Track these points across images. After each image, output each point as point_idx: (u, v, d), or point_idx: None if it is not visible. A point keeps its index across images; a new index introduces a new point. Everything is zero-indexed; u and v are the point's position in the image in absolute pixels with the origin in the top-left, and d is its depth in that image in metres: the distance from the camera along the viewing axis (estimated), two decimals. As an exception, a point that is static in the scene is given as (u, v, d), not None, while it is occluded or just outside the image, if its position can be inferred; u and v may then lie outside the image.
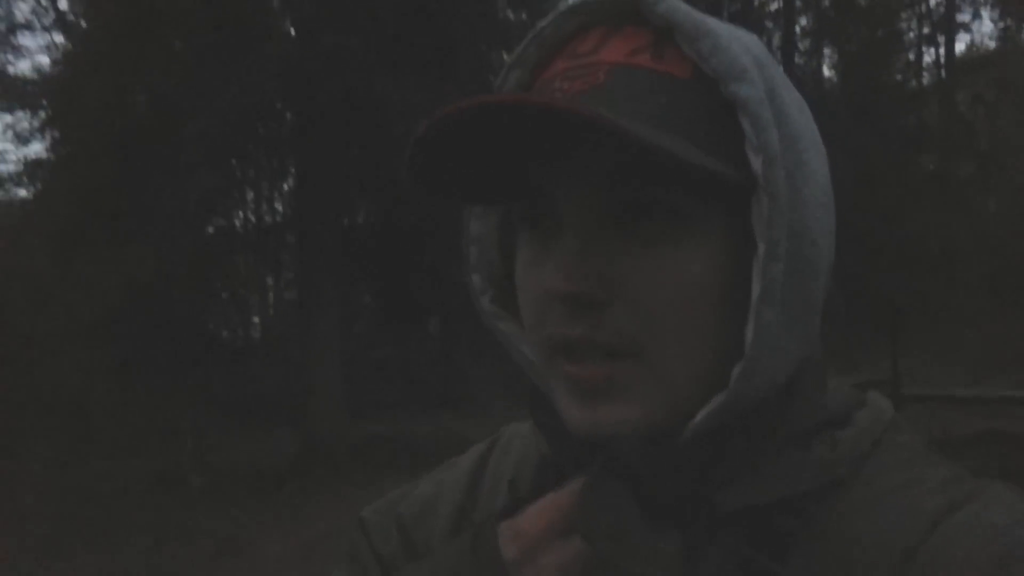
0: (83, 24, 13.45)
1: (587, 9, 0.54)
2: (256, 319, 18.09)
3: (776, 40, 18.38)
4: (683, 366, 0.51)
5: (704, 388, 0.51)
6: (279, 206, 15.54)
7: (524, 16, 12.73)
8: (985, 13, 19.59)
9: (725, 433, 0.52)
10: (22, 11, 16.35)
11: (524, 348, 0.60)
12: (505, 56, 11.91)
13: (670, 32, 0.51)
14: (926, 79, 19.33)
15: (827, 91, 18.51)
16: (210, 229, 12.58)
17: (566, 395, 0.53)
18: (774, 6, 17.95)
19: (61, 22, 14.95)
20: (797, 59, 18.30)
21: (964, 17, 19.23)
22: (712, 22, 0.51)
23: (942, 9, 18.62)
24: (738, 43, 0.51)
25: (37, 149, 15.79)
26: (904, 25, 18.36)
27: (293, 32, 11.98)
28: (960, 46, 21.81)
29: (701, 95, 0.50)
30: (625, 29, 0.52)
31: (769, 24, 18.50)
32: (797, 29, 18.22)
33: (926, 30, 18.81)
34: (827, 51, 18.87)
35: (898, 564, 0.49)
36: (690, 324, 0.51)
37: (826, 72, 19.35)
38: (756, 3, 17.68)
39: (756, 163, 0.48)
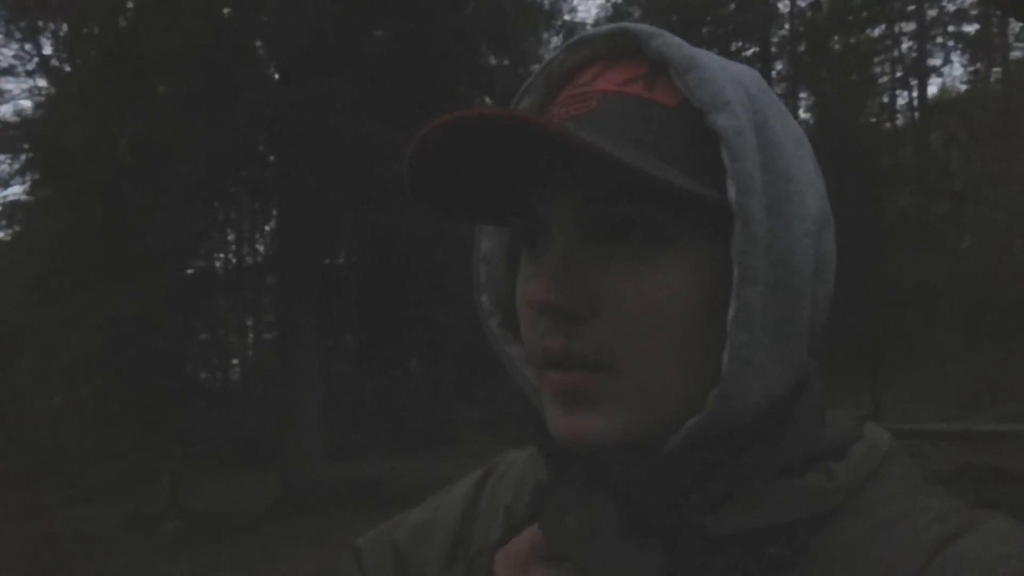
0: (67, 68, 13.53)
1: (590, 44, 0.57)
2: (235, 361, 17.97)
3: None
4: (660, 382, 0.52)
5: (683, 405, 0.52)
6: (260, 247, 15.53)
7: (506, 61, 12.94)
8: (955, 57, 20.06)
9: (713, 454, 0.52)
10: (5, 56, 16.37)
11: (527, 372, 0.61)
12: (488, 100, 12.08)
13: (664, 66, 0.54)
14: (900, 121, 19.72)
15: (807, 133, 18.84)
16: (190, 271, 12.53)
17: (550, 404, 0.54)
18: (750, 51, 18.30)
19: (44, 67, 15.03)
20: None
21: (936, 61, 19.69)
22: (705, 57, 0.54)
23: (914, 54, 19.08)
24: (727, 77, 0.53)
25: (16, 191, 15.73)
26: (878, 69, 18.76)
27: (277, 77, 12.11)
28: (932, 89, 22.28)
29: (687, 124, 0.52)
30: (623, 62, 0.55)
31: (746, 68, 18.91)
32: (773, 74, 18.59)
33: (899, 74, 19.23)
34: (803, 95, 19.22)
35: None
36: (668, 341, 0.52)
37: (802, 115, 19.71)
38: (733, 48, 18.03)
39: (731, 191, 0.50)
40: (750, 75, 0.56)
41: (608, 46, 0.57)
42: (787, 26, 18.29)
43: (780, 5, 18.23)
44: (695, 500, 0.52)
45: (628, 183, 0.49)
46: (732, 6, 17.24)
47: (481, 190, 0.57)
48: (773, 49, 18.35)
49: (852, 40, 17.66)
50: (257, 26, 11.53)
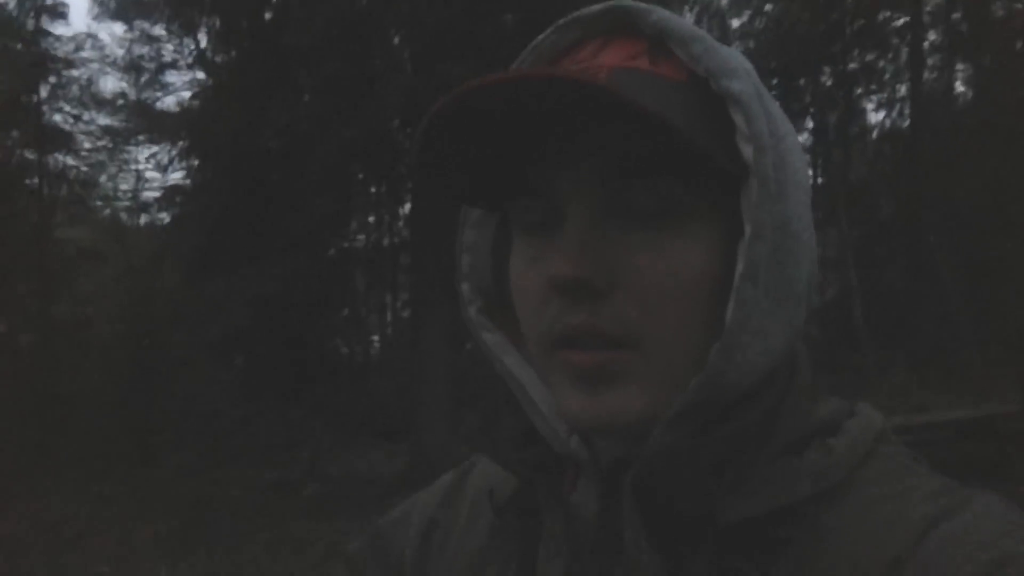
0: (219, 61, 14.43)
1: (583, 22, 0.57)
2: (375, 337, 18.66)
3: (903, 56, 17.65)
4: (682, 355, 0.53)
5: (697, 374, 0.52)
6: (397, 228, 16.07)
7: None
8: None
9: (713, 431, 0.52)
10: (168, 51, 17.63)
11: (506, 359, 0.61)
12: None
13: (663, 41, 0.54)
14: (1072, 93, 18.05)
15: (960, 108, 17.60)
16: (331, 251, 13.14)
17: (568, 385, 0.54)
18: (900, 21, 17.20)
19: (201, 59, 16.07)
20: (926, 75, 17.51)
21: (1115, 26, 17.86)
22: (703, 31, 0.55)
23: (1090, 18, 17.39)
24: (727, 48, 0.54)
25: (176, 177, 16.94)
26: (1047, 36, 17.21)
27: (410, 66, 12.45)
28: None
29: (696, 96, 0.52)
30: (621, 39, 0.55)
31: (895, 40, 17.79)
32: (926, 44, 17.43)
33: (1072, 41, 17.59)
34: (959, 67, 17.93)
35: (886, 573, 0.48)
36: (689, 314, 0.52)
37: (960, 87, 18.41)
38: (880, 19, 17.02)
39: (747, 151, 0.51)
40: (739, 53, 0.57)
41: (602, 24, 0.56)
42: (942, -7, 17.04)
43: (934, -29, 16.98)
44: (710, 490, 0.52)
45: (649, 153, 0.50)
46: (880, -26, 16.24)
47: (483, 171, 0.57)
48: (926, 18, 17.16)
49: (1019, 4, 16.32)
50: (393, 15, 11.88)
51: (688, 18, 18.71)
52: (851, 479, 0.53)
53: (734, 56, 0.54)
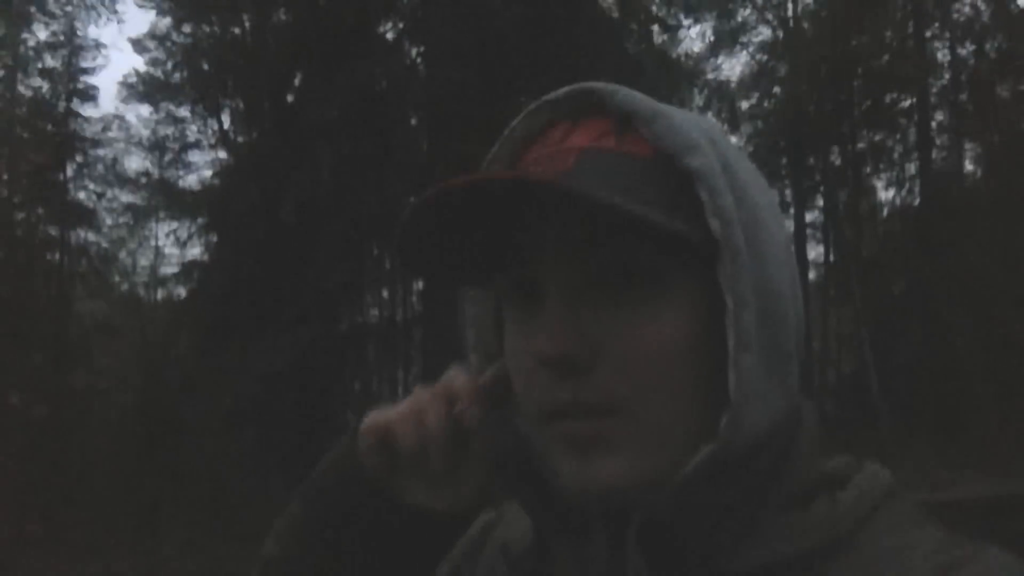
0: (240, 140, 14.84)
1: (553, 106, 0.59)
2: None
3: (911, 136, 17.91)
4: (669, 420, 0.53)
5: (692, 440, 0.53)
6: (410, 303, 16.18)
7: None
8: None
9: (724, 483, 0.52)
10: (192, 132, 18.13)
11: (516, 422, 0.62)
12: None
13: (629, 119, 0.55)
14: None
15: (969, 186, 17.76)
16: (344, 325, 13.22)
17: (561, 454, 0.55)
18: (907, 102, 17.52)
19: (224, 139, 16.51)
20: (935, 154, 17.73)
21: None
22: (666, 107, 0.56)
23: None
24: (690, 123, 0.55)
25: (194, 252, 17.20)
26: (1052, 117, 17.47)
27: (426, 145, 12.77)
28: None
29: (661, 171, 0.53)
30: (588, 120, 0.57)
31: (903, 120, 18.08)
32: (933, 124, 17.70)
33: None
34: (967, 145, 18.15)
35: None
36: (672, 380, 0.53)
37: (968, 166, 18.60)
38: (887, 100, 17.35)
39: (715, 225, 0.52)
40: (707, 122, 0.59)
41: (569, 106, 0.58)
42: (947, 75, 17.38)
43: (938, 54, 17.36)
44: (716, 538, 0.53)
45: (617, 229, 0.51)
46: (886, 57, 16.61)
47: (468, 254, 0.59)
48: (933, 99, 17.48)
49: (1022, 87, 16.63)
50: (410, 97, 12.23)
51: (697, 99, 19.11)
52: (858, 532, 0.53)
53: (699, 129, 0.55)
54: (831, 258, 19.28)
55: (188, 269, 15.90)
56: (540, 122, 0.60)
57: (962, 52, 17.16)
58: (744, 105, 19.75)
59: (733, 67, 33.38)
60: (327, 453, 0.64)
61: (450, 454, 0.58)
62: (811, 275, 19.45)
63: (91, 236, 17.30)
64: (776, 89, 18.90)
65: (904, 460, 10.38)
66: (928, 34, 17.05)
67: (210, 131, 17.42)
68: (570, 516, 0.59)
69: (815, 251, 20.37)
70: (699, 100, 18.89)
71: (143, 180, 19.09)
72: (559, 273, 0.54)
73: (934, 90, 17.48)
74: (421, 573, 0.62)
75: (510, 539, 0.67)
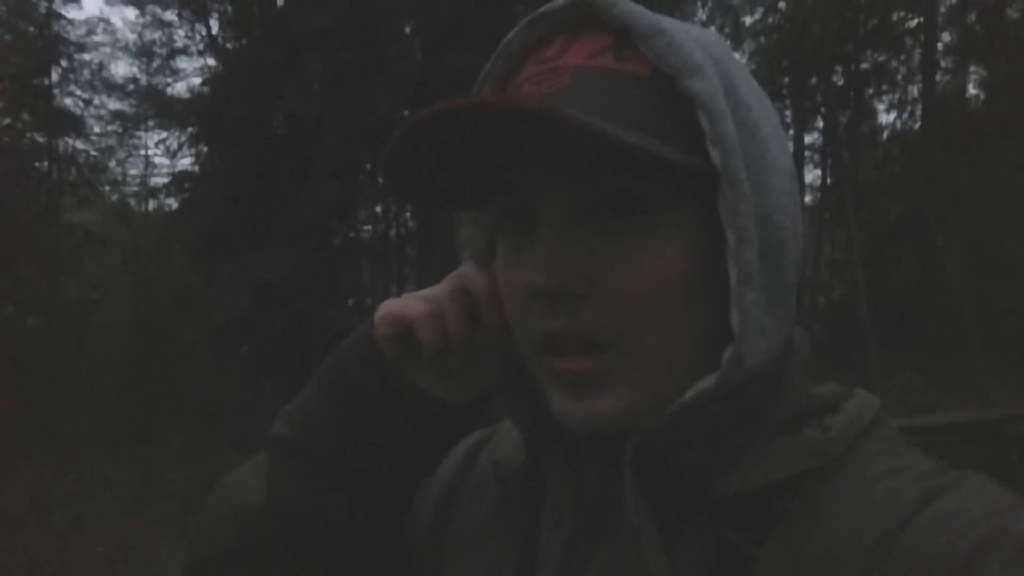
0: (230, 47, 14.46)
1: (549, 18, 0.56)
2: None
3: (916, 57, 17.59)
4: (665, 354, 0.53)
5: (690, 374, 0.52)
6: (404, 219, 16.10)
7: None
8: None
9: (721, 413, 0.52)
10: (179, 37, 17.65)
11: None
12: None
13: (628, 34, 0.53)
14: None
15: (972, 111, 17.53)
16: (338, 240, 13.17)
17: (556, 391, 0.55)
18: (913, 22, 17.12)
19: (212, 46, 16.09)
20: (939, 77, 17.44)
21: None
22: (668, 22, 0.53)
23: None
24: (693, 41, 0.53)
25: (185, 163, 16.99)
26: (1062, 40, 17.13)
27: (420, 54, 12.47)
28: None
29: (661, 92, 0.51)
30: (586, 34, 0.54)
31: (908, 41, 17.72)
32: (940, 46, 17.35)
33: (1087, 45, 17.50)
34: (972, 69, 17.84)
35: (877, 548, 0.49)
36: (668, 313, 0.52)
37: (972, 90, 18.33)
38: (894, 19, 16.94)
39: (715, 155, 0.50)
40: (712, 37, 0.56)
41: (567, 18, 0.56)
42: (956, -6, 16.95)
43: (949, -27, 16.89)
44: (708, 462, 0.53)
45: (613, 157, 0.50)
46: (894, -26, 16.16)
47: (455, 176, 0.58)
48: (940, 19, 17.08)
49: (1034, 9, 16.25)
50: (404, 4, 11.89)
51: (700, 15, 18.66)
52: (847, 456, 0.54)
53: (701, 47, 0.53)
54: (828, 181, 19.18)
55: (179, 179, 15.70)
56: (537, 35, 0.57)
57: (974, -30, 16.68)
58: (747, 21, 19.31)
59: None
60: (341, 341, 0.63)
61: (468, 353, 0.59)
62: (807, 199, 19.39)
63: (79, 144, 17.01)
64: (781, 5, 18.43)
65: (889, 386, 10.56)
66: (939, -49, 16.57)
67: (198, 37, 16.98)
68: (562, 438, 0.59)
69: (812, 174, 20.27)
70: (702, 14, 18.46)
71: (131, 87, 18.69)
72: (551, 202, 0.53)
73: (942, 10, 17.06)
74: (431, 458, 0.64)
75: (501, 456, 0.68)
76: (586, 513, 0.58)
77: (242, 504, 0.64)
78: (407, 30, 12.93)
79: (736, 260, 0.50)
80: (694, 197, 0.52)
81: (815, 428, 0.55)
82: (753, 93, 0.55)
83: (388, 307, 0.60)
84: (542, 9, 0.57)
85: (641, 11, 0.53)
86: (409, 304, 0.60)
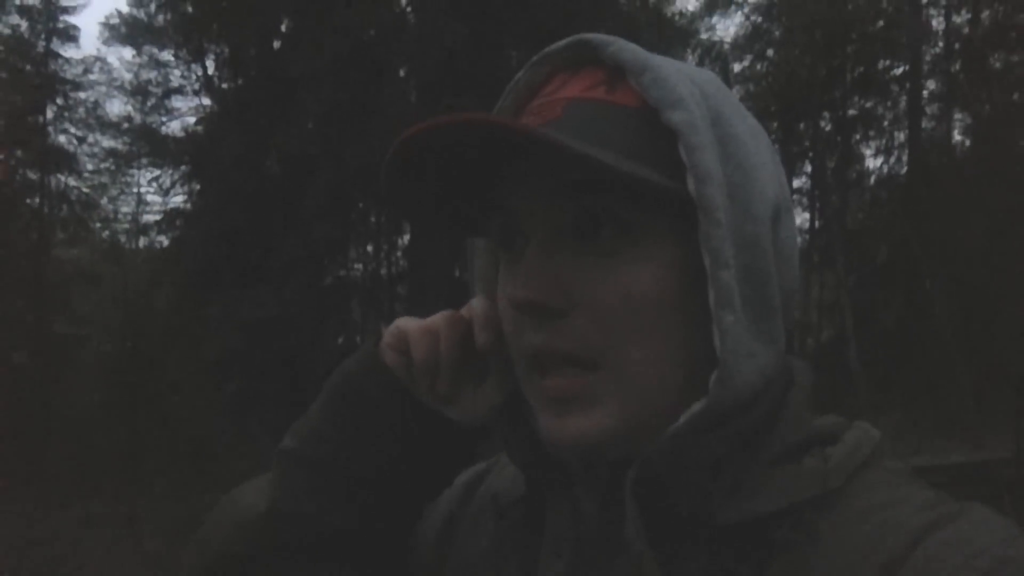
0: (224, 87, 14.58)
1: (552, 58, 0.60)
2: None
3: (902, 104, 17.86)
4: (648, 373, 0.54)
5: (679, 396, 0.53)
6: (395, 258, 16.13)
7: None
8: None
9: (715, 439, 0.53)
10: (175, 76, 17.80)
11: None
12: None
13: (620, 70, 0.56)
14: (1068, 145, 18.23)
15: (958, 156, 17.76)
16: (328, 279, 13.17)
17: (542, 409, 0.56)
18: (899, 70, 17.43)
19: (208, 86, 16.22)
20: (925, 123, 17.70)
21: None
22: (658, 59, 0.56)
23: (1087, 72, 17.64)
24: (680, 76, 0.55)
25: (177, 200, 17.02)
26: (1043, 89, 17.43)
27: (415, 97, 12.60)
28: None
29: (648, 122, 0.54)
30: (584, 71, 0.58)
31: (894, 88, 18.01)
32: (925, 93, 17.64)
33: (1068, 93, 17.81)
34: (957, 116, 18.12)
35: None
36: (648, 332, 0.53)
37: (957, 136, 18.60)
38: (880, 67, 17.24)
39: (690, 182, 0.52)
40: (704, 75, 0.59)
41: (568, 58, 0.60)
42: (940, 44, 17.28)
43: (933, 22, 17.23)
44: (708, 490, 0.53)
45: (594, 177, 0.52)
46: (880, 23, 16.47)
47: (455, 200, 0.60)
48: (925, 67, 17.40)
49: (1015, 58, 16.56)
50: (398, 49, 12.04)
51: (691, 60, 18.94)
52: (848, 487, 0.54)
53: (689, 82, 0.55)
54: (816, 224, 19.33)
55: (171, 217, 15.72)
56: (542, 73, 0.61)
57: (957, 20, 17.03)
58: (737, 67, 19.61)
59: (727, 28, 33.14)
60: (350, 355, 0.65)
61: (457, 374, 0.60)
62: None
63: (72, 181, 17.05)
64: (770, 52, 18.74)
65: (878, 427, 10.51)
66: (924, 0, 16.91)
67: (194, 76, 17.13)
68: (559, 468, 0.60)
69: (801, 217, 20.42)
70: (692, 60, 18.73)
71: (125, 125, 18.78)
72: (537, 220, 0.55)
73: (927, 58, 17.39)
74: (435, 475, 0.64)
75: (500, 488, 0.68)
76: (584, 543, 0.59)
77: (246, 512, 0.64)
78: (401, 73, 13.08)
79: (713, 283, 0.52)
80: (679, 221, 0.54)
81: (816, 458, 0.55)
82: (744, 125, 0.57)
83: (397, 322, 0.63)
84: (546, 50, 0.61)
85: (634, 49, 0.56)
86: (412, 322, 0.62)
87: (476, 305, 0.61)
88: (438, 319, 0.62)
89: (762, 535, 0.53)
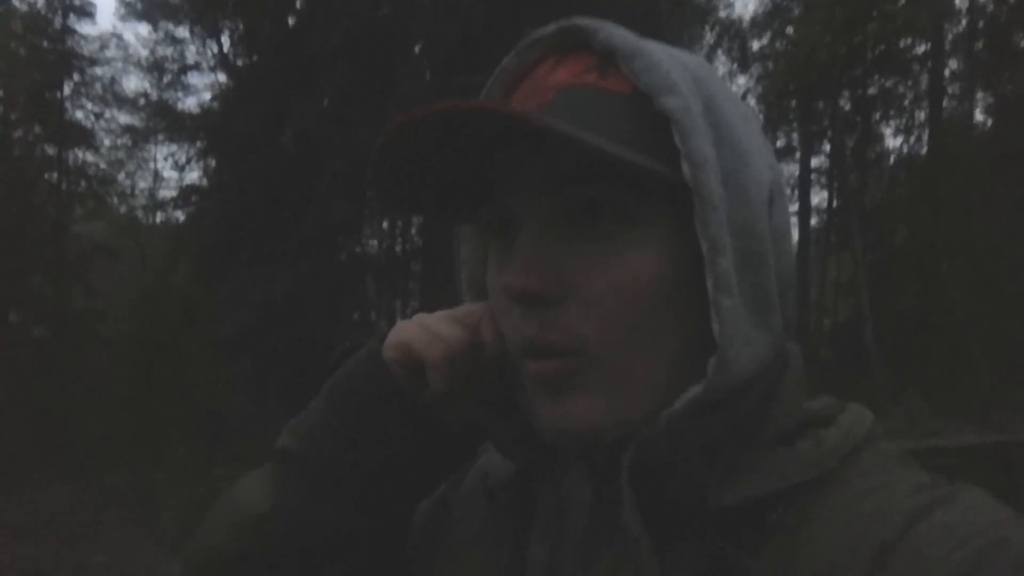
0: (240, 63, 14.58)
1: (541, 43, 0.59)
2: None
3: (923, 83, 17.64)
4: (643, 361, 0.54)
5: (673, 382, 0.53)
6: (410, 235, 16.15)
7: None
8: None
9: (711, 423, 0.53)
10: (191, 53, 17.83)
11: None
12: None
13: (612, 55, 0.55)
14: (1093, 125, 17.96)
15: (979, 137, 17.55)
16: (344, 256, 13.21)
17: (534, 394, 0.56)
18: (921, 49, 17.18)
19: (223, 62, 16.22)
20: (946, 103, 17.48)
21: None
22: (650, 45, 0.55)
23: (1113, 51, 17.33)
24: (673, 62, 0.55)
25: (193, 177, 17.12)
26: (1069, 68, 17.15)
27: (429, 74, 12.56)
28: None
29: (640, 108, 0.53)
30: (573, 55, 0.57)
31: (916, 67, 17.78)
32: (946, 72, 17.40)
33: (1093, 73, 17.52)
34: (979, 95, 17.88)
35: (873, 560, 0.49)
36: (645, 320, 0.53)
37: (979, 116, 18.36)
38: (901, 45, 17.01)
39: (685, 168, 0.52)
40: (695, 60, 0.58)
41: (558, 42, 0.58)
42: (964, 22, 17.02)
43: (956, 0, 16.96)
44: (703, 474, 0.53)
45: (588, 164, 0.51)
46: (901, 1, 16.23)
47: (446, 186, 0.59)
48: (947, 46, 17.15)
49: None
50: (414, 25, 11.99)
51: (708, 38, 18.76)
52: (841, 469, 0.54)
53: (681, 67, 0.55)
54: (834, 204, 19.19)
55: (187, 193, 15.81)
56: (532, 58, 0.59)
57: (980, -2, 16.75)
58: (755, 45, 19.42)
59: (746, 5, 32.78)
60: (351, 356, 0.64)
61: (456, 379, 0.59)
62: (813, 221, 19.38)
63: (89, 157, 17.15)
64: (789, 30, 18.53)
65: (895, 409, 10.51)
66: (947, -23, 16.65)
67: (210, 53, 17.14)
68: (550, 453, 0.59)
69: (819, 197, 20.26)
70: (710, 38, 18.56)
71: (142, 101, 18.86)
72: (530, 208, 0.54)
73: (950, 37, 17.13)
74: (434, 476, 0.64)
75: (491, 469, 0.67)
76: (576, 525, 0.58)
77: (244, 512, 0.63)
78: (416, 50, 13.03)
79: (711, 269, 0.52)
80: (674, 208, 0.53)
81: (809, 441, 0.55)
82: (736, 111, 0.57)
83: (401, 336, 0.60)
84: (534, 34, 0.59)
85: (624, 34, 0.55)
86: (419, 337, 0.59)
87: (478, 309, 0.60)
88: (441, 326, 0.60)
89: (756, 518, 0.53)
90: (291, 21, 13.13)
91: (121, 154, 19.74)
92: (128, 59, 18.78)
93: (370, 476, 0.60)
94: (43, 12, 16.67)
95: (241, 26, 14.32)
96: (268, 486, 0.63)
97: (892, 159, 18.84)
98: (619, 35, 0.55)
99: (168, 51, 18.20)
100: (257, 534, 0.62)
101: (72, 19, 16.67)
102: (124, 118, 18.84)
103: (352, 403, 0.61)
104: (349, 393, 0.62)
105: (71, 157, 16.46)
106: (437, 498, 0.71)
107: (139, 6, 18.16)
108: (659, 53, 0.55)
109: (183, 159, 17.44)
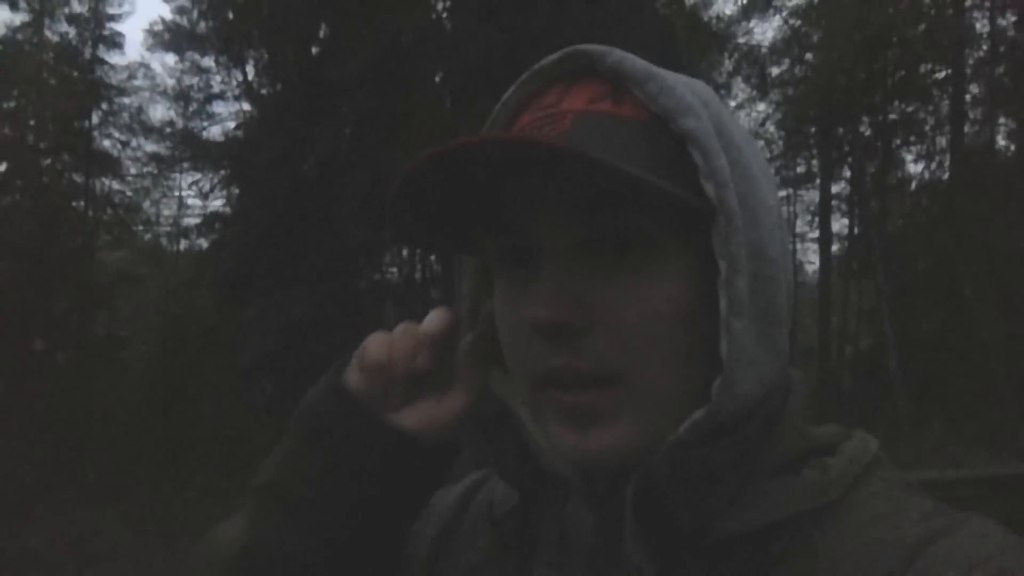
0: (264, 92, 14.80)
1: (545, 72, 0.59)
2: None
3: (944, 108, 17.55)
4: (666, 387, 0.54)
5: (687, 406, 0.53)
6: (429, 262, 16.21)
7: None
8: None
9: (713, 452, 0.52)
10: (216, 82, 18.12)
11: (511, 400, 0.62)
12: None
13: (623, 81, 0.55)
14: (1117, 151, 17.76)
15: (1001, 162, 17.40)
16: (363, 282, 13.27)
17: (557, 423, 0.55)
18: (941, 74, 17.11)
19: (247, 91, 16.47)
20: (967, 128, 17.37)
21: None
22: (658, 69, 0.56)
23: None
24: (683, 85, 0.55)
25: (217, 204, 17.32)
26: (1092, 93, 16.99)
27: (450, 101, 12.67)
28: None
29: (657, 134, 0.53)
30: (581, 83, 0.57)
31: (936, 92, 17.70)
32: (968, 98, 17.30)
33: (1117, 98, 17.35)
34: (1001, 120, 17.73)
35: None
36: (668, 347, 0.53)
37: (1001, 142, 18.21)
38: (921, 71, 16.95)
39: (709, 188, 0.52)
40: (701, 85, 0.59)
41: (562, 70, 0.58)
42: (984, 47, 16.93)
43: (977, 25, 16.89)
44: (707, 502, 0.53)
45: (615, 193, 0.51)
46: (922, 26, 16.19)
47: (457, 220, 0.59)
48: (968, 71, 17.07)
49: (1063, 61, 16.18)
50: (434, 54, 12.12)
51: (727, 64, 18.78)
52: (847, 498, 0.54)
53: (691, 91, 0.55)
54: (855, 231, 19.04)
55: (210, 220, 15.99)
56: (534, 87, 0.59)
57: (1002, 23, 16.68)
58: (775, 71, 19.41)
59: (765, 31, 32.84)
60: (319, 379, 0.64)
61: (410, 385, 0.59)
62: (834, 247, 19.24)
63: (115, 185, 17.44)
64: (808, 56, 18.53)
65: (919, 438, 10.36)
66: (967, 2, 16.60)
67: (234, 82, 17.41)
68: (552, 480, 0.59)
69: (840, 223, 20.13)
70: (728, 65, 18.59)
71: (167, 130, 19.14)
72: (555, 239, 0.54)
73: (971, 61, 17.05)
74: (410, 498, 0.62)
75: (496, 497, 0.67)
76: (579, 553, 0.58)
77: (224, 550, 0.63)
78: (437, 78, 13.17)
79: (727, 289, 0.51)
80: (690, 232, 0.53)
81: (814, 469, 0.55)
82: (741, 133, 0.57)
83: (366, 339, 0.62)
84: (536, 66, 0.59)
85: (633, 59, 0.56)
86: (378, 335, 0.62)
87: (433, 320, 0.60)
88: (398, 329, 0.61)
89: (761, 547, 0.53)
90: (314, 50, 13.32)
91: (147, 182, 20.03)
92: (155, 88, 19.12)
93: (344, 503, 0.59)
94: (74, 43, 17.06)
95: (265, 55, 14.56)
96: (247, 522, 0.62)
97: (914, 184, 18.70)
98: (629, 60, 0.55)
99: (194, 80, 18.53)
100: (240, 569, 0.61)
101: (102, 49, 17.07)
102: (150, 146, 19.16)
103: (316, 430, 0.61)
104: (312, 419, 0.61)
105: (98, 185, 16.74)
106: (442, 525, 0.71)
107: (166, 37, 18.51)
108: (671, 77, 0.55)
109: (207, 187, 17.67)
